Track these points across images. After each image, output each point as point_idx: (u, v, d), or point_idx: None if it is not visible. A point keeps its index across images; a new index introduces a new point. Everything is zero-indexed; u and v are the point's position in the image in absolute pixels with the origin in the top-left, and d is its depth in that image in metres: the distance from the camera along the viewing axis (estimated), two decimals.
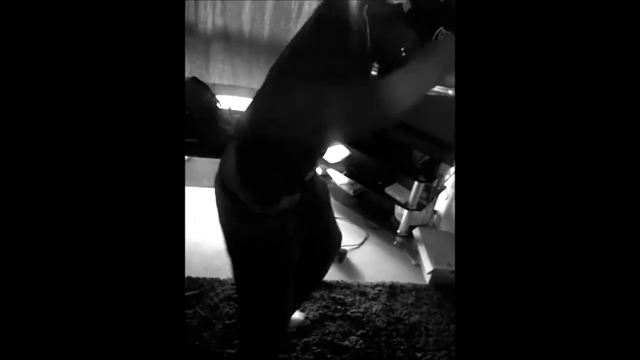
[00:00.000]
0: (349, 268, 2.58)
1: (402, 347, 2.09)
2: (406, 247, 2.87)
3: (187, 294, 2.07)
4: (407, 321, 2.24)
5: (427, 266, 2.58)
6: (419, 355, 2.07)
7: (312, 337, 2.01)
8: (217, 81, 2.79)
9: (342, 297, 2.28)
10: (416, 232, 2.83)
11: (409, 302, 2.38)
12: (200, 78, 2.56)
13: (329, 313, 2.16)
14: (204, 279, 2.18)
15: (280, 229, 1.25)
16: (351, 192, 3.20)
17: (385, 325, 2.18)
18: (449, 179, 2.94)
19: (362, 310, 2.23)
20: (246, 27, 2.67)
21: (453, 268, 2.53)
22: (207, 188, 2.74)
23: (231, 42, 2.70)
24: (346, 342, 2.03)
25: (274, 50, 2.75)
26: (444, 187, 2.95)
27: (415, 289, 2.48)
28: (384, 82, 0.91)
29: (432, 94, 1.54)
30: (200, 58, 2.70)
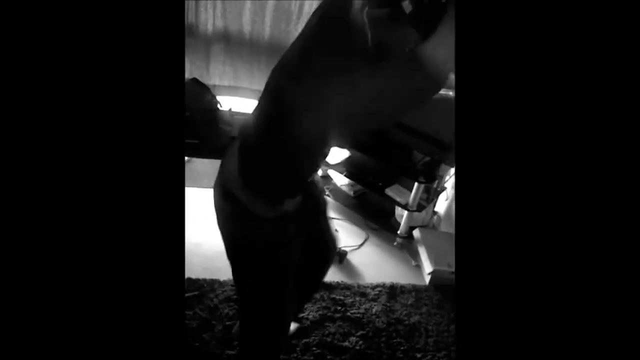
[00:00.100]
0: (349, 269, 2.58)
1: (402, 348, 2.09)
2: (406, 248, 2.87)
3: (186, 295, 2.07)
4: (407, 322, 2.24)
5: (427, 267, 2.59)
6: (418, 356, 2.07)
7: (312, 338, 2.01)
8: (217, 82, 2.80)
9: (342, 298, 2.28)
10: (416, 233, 2.83)
11: (409, 303, 2.38)
12: (200, 79, 2.57)
13: (329, 314, 2.17)
14: (204, 280, 2.18)
15: (280, 231, 1.24)
16: (351, 193, 3.20)
17: (385, 326, 2.18)
18: (449, 180, 2.94)
19: (362, 311, 2.23)
20: (247, 28, 2.68)
21: (453, 269, 2.53)
22: (207, 189, 2.75)
23: (232, 43, 2.70)
24: (346, 343, 2.03)
25: (274, 51, 2.75)
26: (444, 188, 2.95)
27: (415, 289, 2.48)
28: (422, 51, 0.91)
29: None
30: (200, 59, 2.70)
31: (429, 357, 2.08)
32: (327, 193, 3.18)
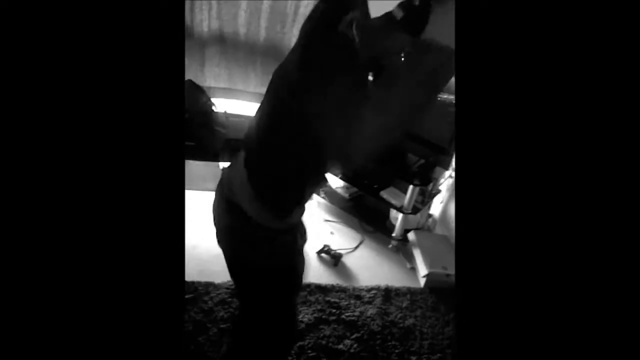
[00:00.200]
0: (344, 271, 2.58)
1: (396, 351, 2.09)
2: (401, 250, 2.87)
3: None
4: (401, 324, 2.25)
5: (422, 269, 2.59)
6: (413, 358, 2.07)
7: (307, 340, 2.01)
8: (212, 84, 2.79)
9: (337, 300, 2.28)
10: (411, 236, 2.83)
11: (404, 305, 2.38)
12: (195, 81, 2.56)
13: (324, 317, 2.17)
14: (199, 282, 2.17)
15: (292, 242, 1.22)
16: (347, 195, 3.21)
17: (380, 328, 2.18)
18: (444, 183, 2.95)
19: (357, 313, 2.23)
20: (242, 30, 2.67)
21: (448, 271, 2.54)
22: (202, 191, 2.75)
23: (227, 45, 2.70)
24: (341, 346, 2.03)
25: (269, 53, 2.75)
26: (439, 191, 2.96)
27: (410, 292, 2.48)
28: (424, 36, 0.92)
29: None
30: (195, 61, 2.70)
31: (423, 359, 2.08)
32: (322, 196, 3.18)
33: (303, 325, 2.08)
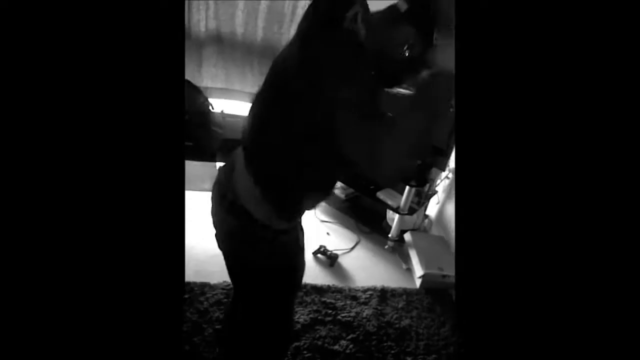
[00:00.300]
0: (340, 272, 2.58)
1: (392, 352, 2.09)
2: (397, 251, 2.88)
3: None
4: (397, 325, 2.25)
5: (418, 270, 2.59)
6: (409, 359, 2.07)
7: (303, 341, 2.01)
8: (209, 84, 2.79)
9: (332, 301, 2.28)
10: (407, 237, 2.84)
11: (400, 306, 2.38)
12: (192, 81, 2.56)
13: (320, 317, 2.17)
14: (194, 283, 2.17)
15: (293, 244, 1.22)
16: (343, 196, 3.21)
17: (375, 329, 2.19)
18: (440, 184, 2.96)
19: (352, 314, 2.24)
20: (239, 30, 2.67)
21: (444, 272, 2.54)
22: (199, 192, 2.74)
23: (224, 45, 2.70)
24: (337, 347, 2.03)
25: (267, 53, 2.75)
26: (435, 192, 2.96)
27: (406, 293, 2.49)
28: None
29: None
30: (193, 61, 2.70)
31: None
32: None
33: (299, 326, 2.08)
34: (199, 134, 2.33)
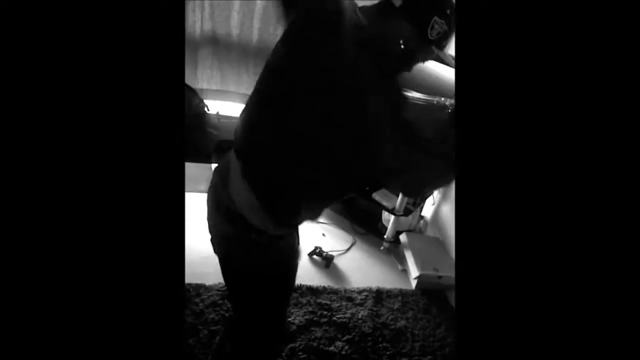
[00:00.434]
0: (336, 273, 2.58)
1: (388, 353, 2.09)
2: (393, 252, 2.88)
3: None
4: (393, 326, 2.25)
5: (414, 271, 2.60)
6: None
7: (298, 342, 2.01)
8: (205, 86, 2.78)
9: (328, 302, 2.28)
10: (403, 238, 2.84)
11: (395, 307, 2.39)
12: (188, 83, 2.55)
13: (315, 318, 2.17)
14: (190, 284, 2.17)
15: (289, 249, 1.22)
16: None
17: (371, 330, 2.19)
18: None
19: (348, 315, 2.24)
20: (235, 31, 2.66)
21: (439, 273, 2.54)
22: (194, 193, 2.74)
23: (220, 46, 2.69)
24: (332, 348, 2.03)
25: (262, 55, 2.74)
26: (430, 193, 2.97)
27: (402, 294, 2.49)
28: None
29: (421, 102, 1.56)
30: (188, 63, 2.69)
31: None
32: None
33: (294, 327, 2.08)
34: (195, 136, 2.33)
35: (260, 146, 1.12)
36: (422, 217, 3.14)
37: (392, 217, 2.79)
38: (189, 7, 2.51)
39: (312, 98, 1.02)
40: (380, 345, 2.13)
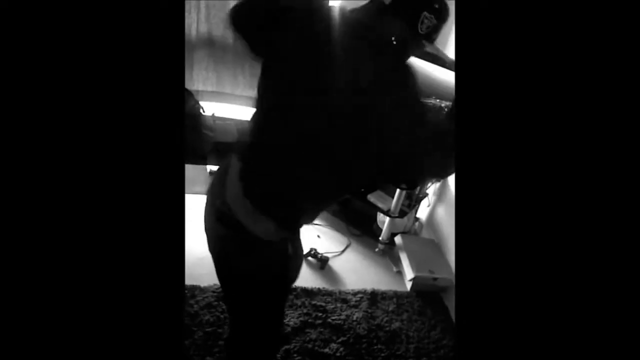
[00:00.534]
0: (331, 275, 2.59)
1: (382, 355, 2.10)
2: (388, 254, 2.88)
3: None
4: (388, 328, 2.26)
5: (409, 273, 2.60)
6: None
7: (293, 344, 2.01)
8: (200, 88, 2.78)
9: (323, 304, 2.28)
10: (398, 240, 2.84)
11: (390, 309, 2.39)
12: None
13: (310, 320, 2.17)
14: (185, 286, 2.16)
15: (284, 253, 1.21)
16: None
17: (366, 332, 2.19)
18: (431, 187, 2.97)
19: (343, 317, 2.24)
20: (230, 33, 2.67)
21: (434, 275, 2.55)
22: (190, 194, 2.74)
23: (215, 48, 2.70)
24: (327, 350, 2.03)
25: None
26: (426, 195, 2.98)
27: (397, 296, 2.49)
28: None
29: None
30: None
31: None
32: None
33: (289, 329, 2.08)
34: (190, 137, 2.33)
35: (262, 147, 1.13)
36: (417, 219, 3.15)
37: (387, 219, 2.79)
38: (185, 8, 2.51)
39: (312, 98, 1.03)
40: (375, 347, 2.13)
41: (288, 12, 1.06)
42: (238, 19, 1.16)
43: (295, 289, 2.32)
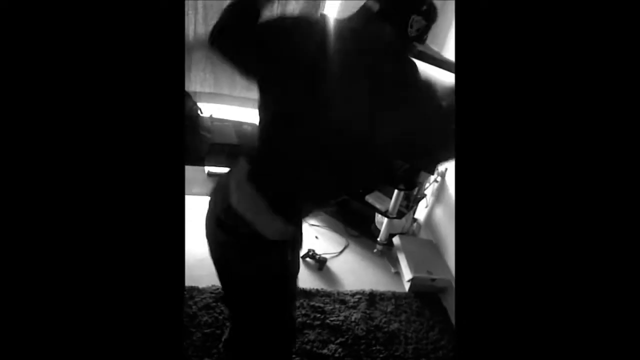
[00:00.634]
0: (329, 276, 2.59)
1: (381, 356, 2.10)
2: (386, 255, 2.88)
3: None
4: (386, 329, 2.26)
5: (407, 274, 2.60)
6: None
7: None
8: (198, 89, 2.78)
9: (321, 305, 2.28)
10: (396, 240, 2.85)
11: (389, 310, 2.39)
12: None
13: (308, 321, 2.17)
14: (184, 287, 2.16)
15: (286, 255, 1.22)
16: None
17: (364, 333, 2.19)
18: (429, 188, 2.97)
19: (341, 318, 2.24)
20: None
21: (432, 276, 2.55)
22: (187, 195, 2.73)
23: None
24: (325, 351, 2.03)
25: None
26: (424, 195, 2.98)
27: (395, 296, 2.49)
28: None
29: None
30: None
31: None
32: None
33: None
34: (188, 139, 2.32)
35: (269, 150, 1.15)
36: (415, 220, 3.15)
37: (385, 220, 2.79)
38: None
39: (311, 108, 1.04)
40: (374, 348, 2.13)
41: (273, 27, 1.09)
42: (223, 47, 1.20)
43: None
